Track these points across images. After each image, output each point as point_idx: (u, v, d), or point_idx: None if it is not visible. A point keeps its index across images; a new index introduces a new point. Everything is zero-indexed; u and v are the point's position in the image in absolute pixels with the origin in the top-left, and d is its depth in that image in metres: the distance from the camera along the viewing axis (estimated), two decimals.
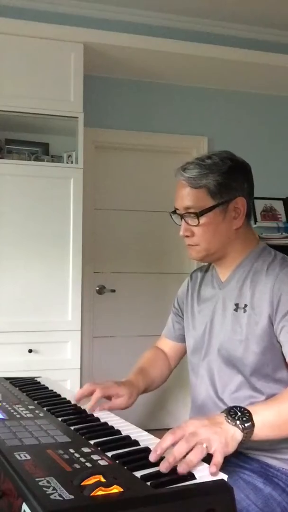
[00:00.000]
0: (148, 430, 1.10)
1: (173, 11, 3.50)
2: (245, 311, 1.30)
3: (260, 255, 1.37)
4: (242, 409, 1.04)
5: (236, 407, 1.05)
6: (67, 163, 3.18)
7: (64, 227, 3.02)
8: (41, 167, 3.06)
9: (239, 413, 1.03)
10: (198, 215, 1.32)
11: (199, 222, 1.33)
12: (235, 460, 1.27)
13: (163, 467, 0.87)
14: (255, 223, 3.66)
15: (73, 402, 1.32)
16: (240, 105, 3.90)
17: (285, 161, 3.89)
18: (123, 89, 3.67)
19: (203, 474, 0.87)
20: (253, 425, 1.03)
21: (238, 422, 1.01)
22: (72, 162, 3.15)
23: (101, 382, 1.36)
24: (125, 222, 3.72)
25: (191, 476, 0.85)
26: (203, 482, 0.83)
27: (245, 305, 1.30)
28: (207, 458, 0.93)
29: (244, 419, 1.02)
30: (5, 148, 3.22)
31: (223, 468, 0.91)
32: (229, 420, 1.01)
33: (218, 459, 0.91)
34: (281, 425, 1.08)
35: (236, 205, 1.34)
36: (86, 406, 1.28)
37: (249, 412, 1.04)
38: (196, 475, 0.85)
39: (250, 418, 1.03)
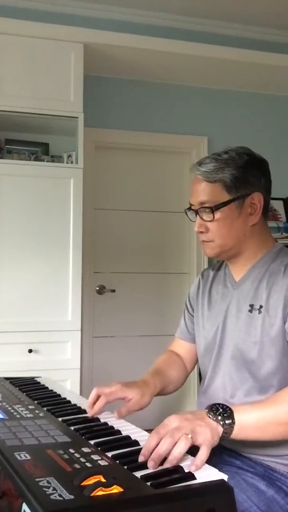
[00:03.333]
0: (148, 430, 1.10)
1: (173, 11, 3.50)
2: (260, 312, 1.27)
3: (278, 256, 1.34)
4: (225, 407, 1.04)
5: (218, 404, 1.05)
6: (67, 163, 3.17)
7: (64, 227, 3.02)
8: (41, 167, 3.06)
9: (221, 410, 1.03)
10: (213, 209, 1.29)
11: (214, 217, 1.30)
12: (239, 463, 1.27)
13: (150, 466, 0.88)
14: None
15: (89, 415, 1.22)
16: (240, 105, 3.90)
17: (285, 161, 3.88)
18: (123, 89, 3.67)
19: (204, 474, 0.87)
20: (233, 422, 1.02)
21: (219, 417, 1.01)
22: (72, 162, 3.15)
23: (108, 385, 1.29)
24: (125, 222, 3.72)
25: (191, 476, 0.85)
26: (203, 482, 0.83)
27: (260, 306, 1.27)
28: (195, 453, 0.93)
29: (225, 415, 1.02)
30: (5, 148, 3.22)
31: (225, 470, 0.91)
32: (210, 415, 1.01)
33: (202, 456, 0.91)
34: (262, 427, 1.07)
35: (252, 201, 1.31)
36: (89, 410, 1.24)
37: (231, 410, 1.04)
38: (196, 475, 0.85)
39: (231, 416, 1.03)
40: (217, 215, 1.30)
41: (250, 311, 1.29)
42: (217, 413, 1.02)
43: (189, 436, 0.93)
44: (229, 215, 1.30)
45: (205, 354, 1.42)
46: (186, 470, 0.88)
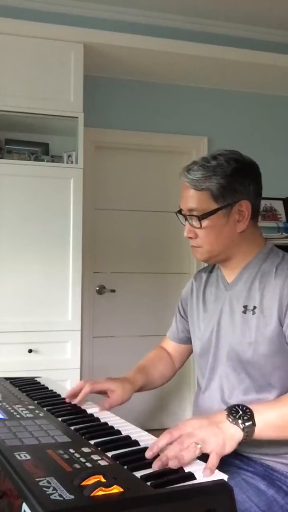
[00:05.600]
0: (148, 430, 1.10)
1: (173, 11, 3.50)
2: (254, 313, 1.27)
3: (268, 256, 1.35)
4: (244, 408, 1.04)
5: (238, 405, 1.05)
6: (67, 163, 3.17)
7: (64, 227, 3.02)
8: (41, 167, 3.06)
9: (241, 412, 1.02)
10: (200, 218, 1.30)
11: (201, 225, 1.31)
12: (238, 462, 1.27)
13: (156, 466, 0.88)
14: None
15: (67, 400, 1.35)
16: (240, 105, 3.90)
17: (285, 161, 3.88)
18: (123, 89, 3.67)
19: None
20: (254, 424, 1.02)
21: (239, 421, 1.01)
22: (72, 162, 3.15)
23: (94, 379, 1.40)
24: (125, 222, 3.72)
25: (191, 476, 0.85)
26: (203, 482, 0.83)
27: (254, 307, 1.28)
28: (205, 457, 0.93)
29: (245, 418, 1.02)
30: (5, 148, 3.22)
31: (225, 469, 0.91)
32: (230, 419, 1.01)
33: (213, 461, 0.91)
34: (283, 426, 1.07)
35: (240, 208, 1.31)
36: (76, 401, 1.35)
37: (251, 411, 1.03)
38: (196, 475, 0.85)
39: (251, 417, 1.02)
40: (204, 223, 1.30)
41: (244, 312, 1.30)
42: (237, 416, 1.01)
43: (199, 446, 0.93)
44: (216, 223, 1.30)
45: (201, 356, 1.43)
46: (186, 470, 0.88)
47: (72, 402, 1.33)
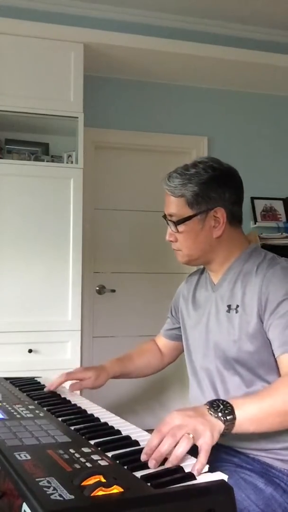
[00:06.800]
0: (148, 430, 1.10)
1: (173, 11, 3.50)
2: (237, 311, 1.32)
3: (251, 256, 1.39)
4: (225, 402, 1.05)
5: (218, 400, 1.07)
6: (67, 163, 3.17)
7: (64, 227, 3.02)
8: (41, 167, 3.06)
9: (222, 406, 1.04)
10: (176, 223, 1.37)
11: (178, 230, 1.38)
12: (236, 460, 1.28)
13: (151, 465, 0.89)
14: (255, 223, 3.66)
15: (46, 390, 1.48)
16: (240, 105, 3.90)
17: (285, 161, 3.88)
18: (123, 89, 3.67)
19: (203, 474, 0.87)
20: (234, 418, 1.03)
21: (220, 414, 1.02)
22: (72, 162, 3.15)
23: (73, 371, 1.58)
24: (125, 222, 3.71)
25: (191, 476, 0.85)
26: (203, 482, 0.83)
27: (237, 306, 1.32)
28: (194, 451, 0.93)
29: (226, 411, 1.03)
30: (5, 148, 3.22)
31: (223, 468, 0.92)
32: (212, 412, 1.02)
33: (203, 458, 0.91)
34: (261, 419, 1.08)
35: (215, 215, 1.36)
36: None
37: (231, 405, 1.05)
38: (196, 476, 0.85)
39: (232, 411, 1.04)
40: (181, 228, 1.38)
41: (228, 311, 1.35)
42: (218, 410, 1.03)
43: (191, 436, 0.94)
44: (192, 228, 1.37)
45: (193, 355, 1.47)
46: (186, 470, 0.88)
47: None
